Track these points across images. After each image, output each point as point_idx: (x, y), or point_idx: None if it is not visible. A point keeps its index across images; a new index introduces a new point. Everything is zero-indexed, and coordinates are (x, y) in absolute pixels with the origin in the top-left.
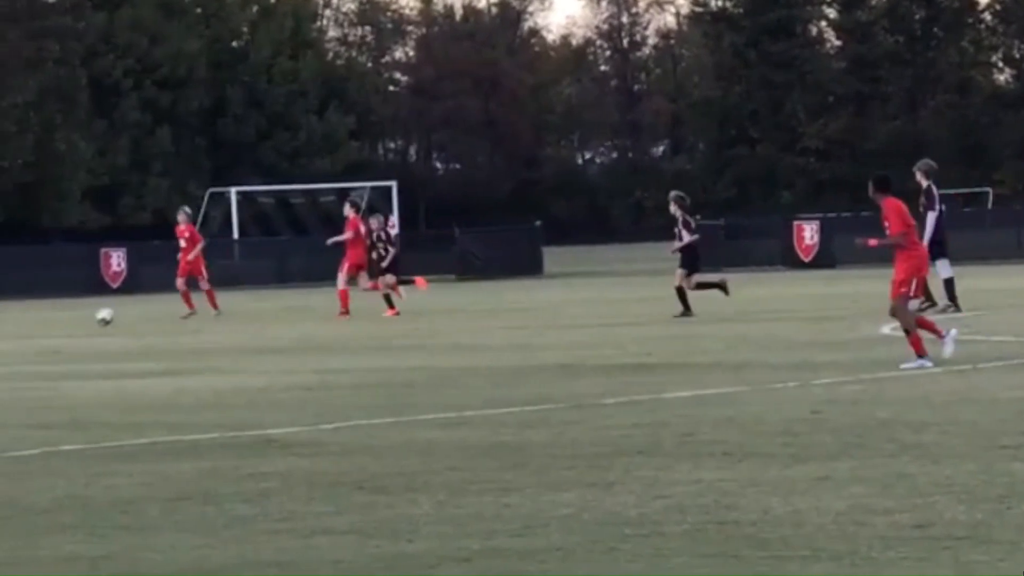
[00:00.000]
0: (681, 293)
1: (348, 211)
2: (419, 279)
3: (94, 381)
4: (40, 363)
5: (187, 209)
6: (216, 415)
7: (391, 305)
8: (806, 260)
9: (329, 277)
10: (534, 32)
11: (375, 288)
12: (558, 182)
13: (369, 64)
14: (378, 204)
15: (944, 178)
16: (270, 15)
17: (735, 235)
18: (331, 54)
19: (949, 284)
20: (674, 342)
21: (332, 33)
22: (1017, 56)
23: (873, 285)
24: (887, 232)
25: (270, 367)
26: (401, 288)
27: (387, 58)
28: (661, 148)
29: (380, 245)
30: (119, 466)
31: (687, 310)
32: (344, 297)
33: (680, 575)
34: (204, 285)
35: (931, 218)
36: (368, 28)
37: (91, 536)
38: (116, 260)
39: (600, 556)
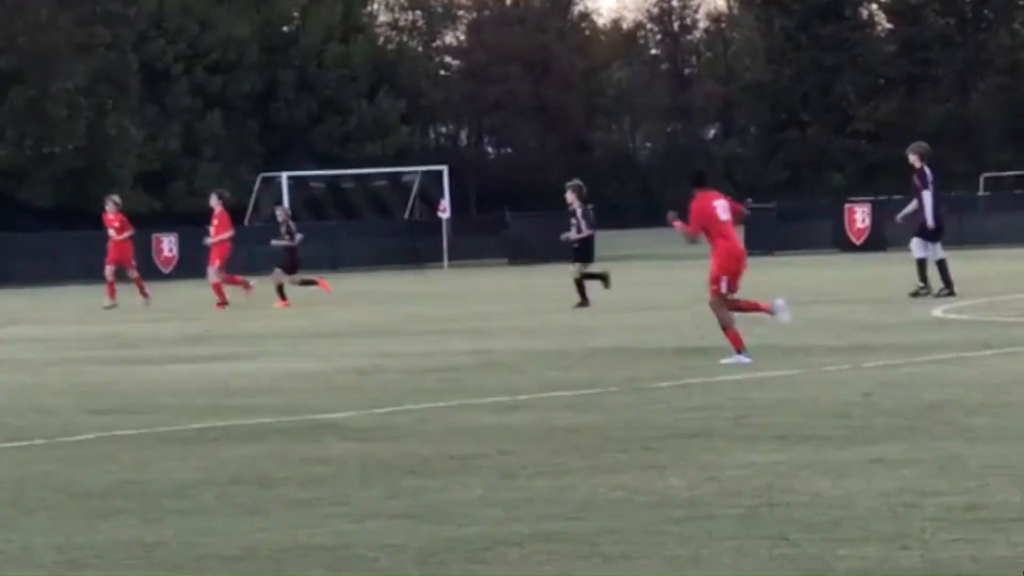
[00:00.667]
0: (579, 284)
1: (216, 204)
2: (322, 281)
3: (149, 366)
4: (96, 348)
5: (116, 199)
6: (270, 399)
7: (283, 296)
8: (858, 243)
9: (382, 262)
10: (584, 16)
11: (231, 281)
12: (610, 166)
13: (420, 48)
14: (429, 188)
15: (995, 160)
16: (337, 13)
17: (787, 218)
18: (382, 38)
19: (942, 266)
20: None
21: (383, 18)
22: None
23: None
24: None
25: (323, 351)
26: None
27: (438, 42)
28: (712, 131)
29: (287, 237)
30: (174, 450)
31: (584, 301)
32: (218, 289)
33: (731, 558)
34: (132, 273)
35: (927, 197)
36: (419, 12)
37: (146, 520)
38: (167, 245)
39: (652, 539)
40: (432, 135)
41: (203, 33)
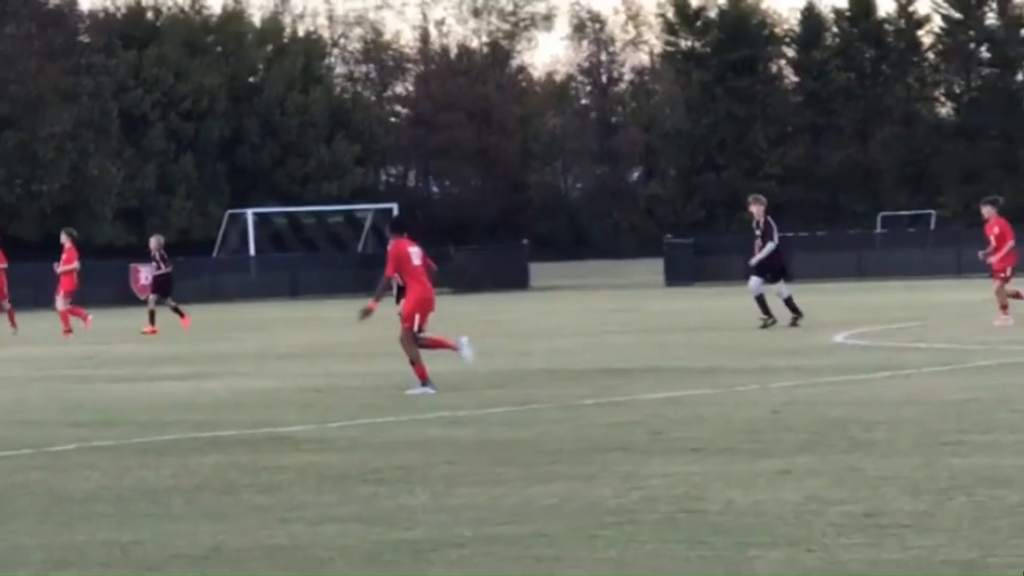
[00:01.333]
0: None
1: (65, 240)
2: (187, 318)
3: (124, 383)
4: (75, 367)
5: None
6: (234, 414)
7: (151, 322)
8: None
9: (338, 290)
10: (521, 69)
11: (75, 312)
12: (543, 204)
13: (373, 98)
14: (380, 224)
15: (890, 201)
16: (283, 54)
17: (703, 252)
18: (338, 88)
19: (789, 301)
20: (647, 349)
21: (339, 70)
22: (957, 91)
23: (826, 297)
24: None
25: (283, 371)
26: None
27: (389, 92)
28: (636, 174)
29: (160, 265)
30: (147, 460)
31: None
32: (65, 317)
33: (652, 560)
34: (6, 305)
35: (769, 247)
36: (372, 65)
37: (122, 523)
38: (144, 274)
39: (581, 542)
40: (383, 176)
41: (177, 83)
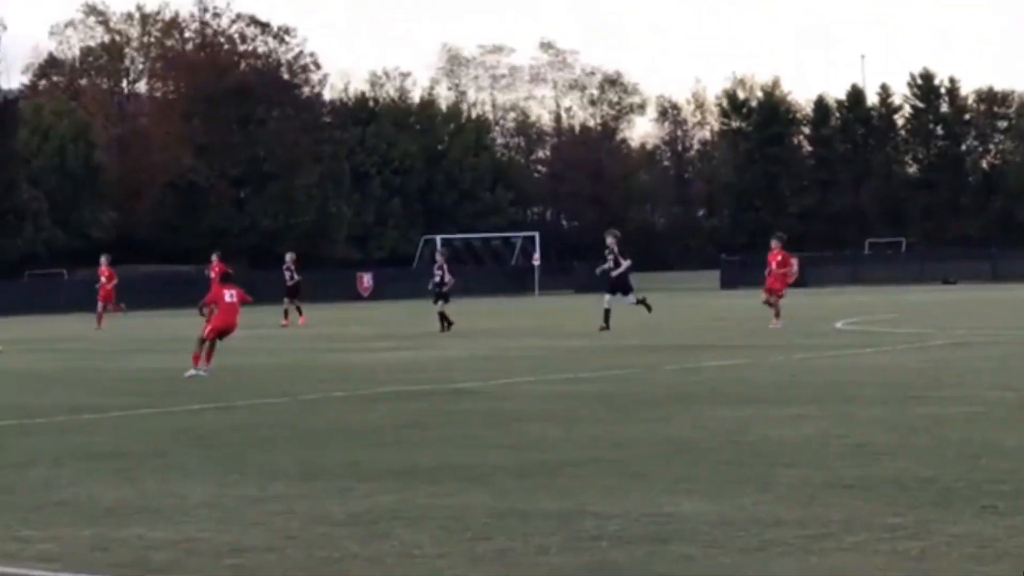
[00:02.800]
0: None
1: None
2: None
3: (349, 354)
4: (317, 343)
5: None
6: (426, 374)
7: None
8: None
9: (496, 291)
10: (623, 140)
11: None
12: (637, 234)
13: (522, 160)
14: (527, 246)
15: (874, 232)
16: (461, 129)
17: (746, 266)
18: (499, 153)
19: (609, 313)
20: (707, 332)
21: (499, 140)
22: (920, 156)
23: (830, 298)
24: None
25: (462, 345)
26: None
27: (533, 156)
28: (701, 212)
29: (292, 275)
30: (368, 405)
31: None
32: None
33: (712, 474)
34: (110, 307)
35: (624, 265)
36: (521, 137)
37: (350, 449)
38: (367, 280)
39: (660, 463)
40: (528, 213)
41: (389, 149)
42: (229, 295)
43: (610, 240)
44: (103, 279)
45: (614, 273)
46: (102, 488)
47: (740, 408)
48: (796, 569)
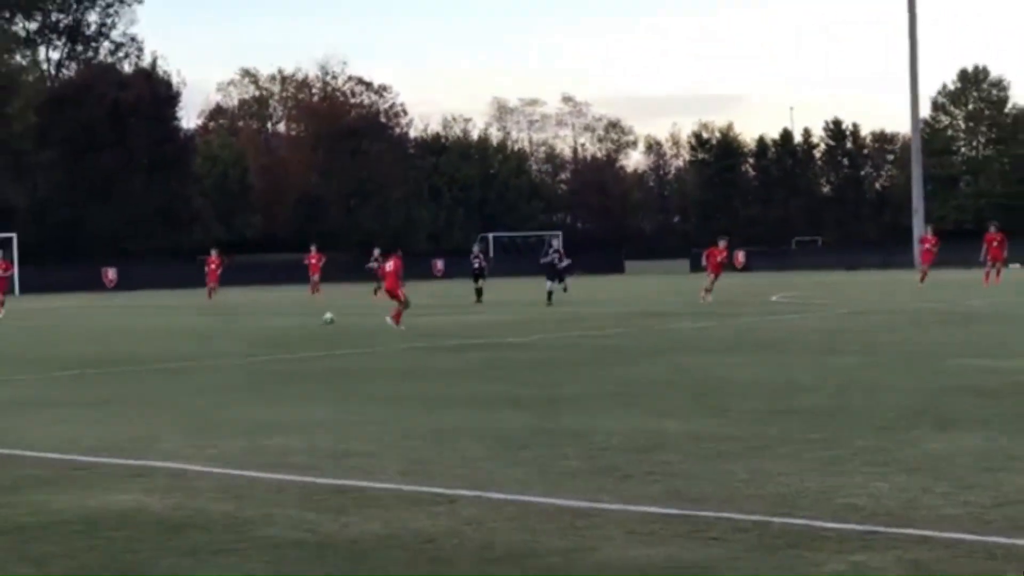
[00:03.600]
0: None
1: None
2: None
3: (426, 317)
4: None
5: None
6: (479, 332)
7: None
8: (738, 267)
9: (531, 274)
10: (621, 168)
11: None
12: (632, 234)
13: (549, 181)
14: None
15: (800, 233)
16: (507, 159)
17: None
18: (534, 175)
19: (551, 295)
20: (681, 301)
21: (534, 167)
22: (832, 180)
23: (770, 279)
24: None
25: (506, 311)
26: None
27: (558, 178)
28: (676, 219)
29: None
30: (441, 355)
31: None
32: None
33: (685, 405)
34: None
35: (566, 262)
36: (549, 165)
37: (430, 383)
38: (440, 264)
39: (651, 396)
40: (554, 218)
41: (455, 172)
42: (388, 266)
43: (556, 242)
44: (213, 266)
45: (561, 265)
46: (252, 410)
47: (705, 356)
48: (744, 470)
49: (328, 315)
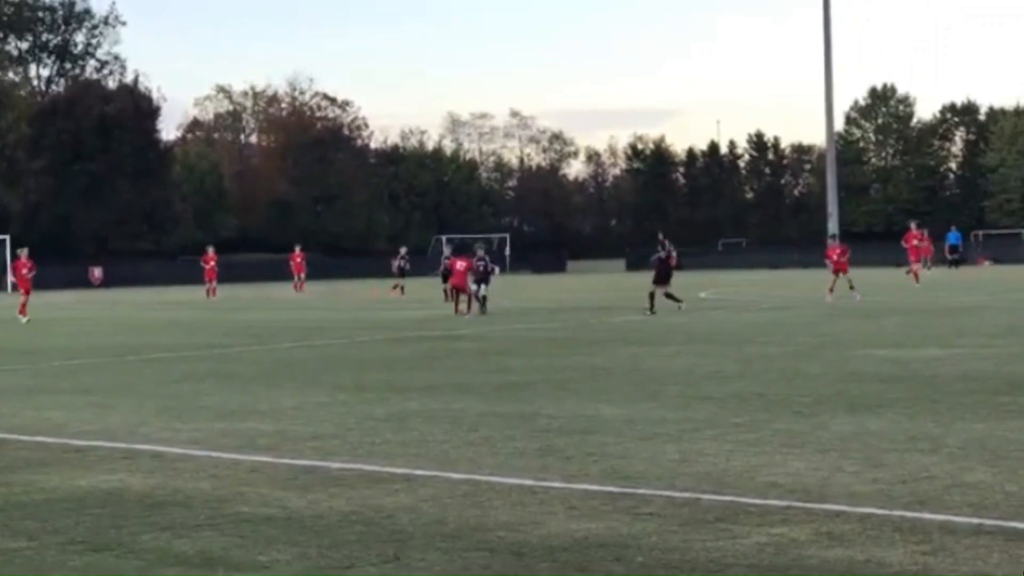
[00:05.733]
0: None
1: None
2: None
3: (388, 312)
4: (368, 304)
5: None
6: (437, 325)
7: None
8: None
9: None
10: (564, 176)
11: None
12: (573, 235)
13: (498, 187)
14: (502, 243)
15: (726, 235)
16: (460, 168)
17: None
18: (484, 183)
19: (483, 298)
20: (618, 297)
21: (484, 175)
22: (755, 187)
23: (700, 278)
24: None
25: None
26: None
27: (506, 184)
28: (613, 222)
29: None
30: (396, 345)
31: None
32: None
33: (618, 387)
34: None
35: (496, 268)
36: (496, 174)
37: (391, 373)
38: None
39: (588, 380)
40: (503, 221)
41: (413, 179)
42: (459, 265)
43: (482, 251)
44: (212, 263)
45: (495, 272)
46: (227, 397)
47: (639, 347)
48: (676, 450)
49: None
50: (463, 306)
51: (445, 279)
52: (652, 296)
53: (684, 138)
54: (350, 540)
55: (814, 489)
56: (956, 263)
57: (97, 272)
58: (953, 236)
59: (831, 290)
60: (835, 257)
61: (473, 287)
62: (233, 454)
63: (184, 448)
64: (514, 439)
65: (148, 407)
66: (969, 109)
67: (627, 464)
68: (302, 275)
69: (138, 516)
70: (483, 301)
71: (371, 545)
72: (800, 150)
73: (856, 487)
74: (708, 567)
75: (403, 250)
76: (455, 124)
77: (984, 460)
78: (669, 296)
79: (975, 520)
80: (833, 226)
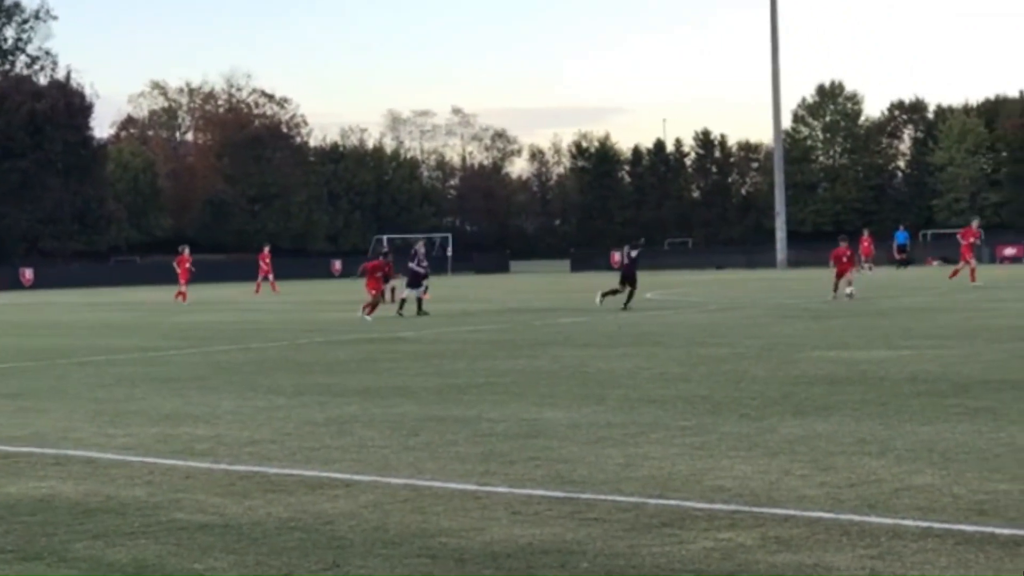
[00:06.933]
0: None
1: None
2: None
3: (327, 313)
4: (306, 306)
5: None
6: (378, 327)
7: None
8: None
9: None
10: (507, 174)
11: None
12: (515, 235)
13: (440, 186)
14: (444, 243)
15: (672, 234)
16: (400, 166)
17: (586, 256)
18: (425, 181)
19: (420, 303)
20: (561, 298)
21: (426, 173)
22: (702, 186)
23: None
24: None
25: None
26: None
27: (448, 184)
28: (557, 221)
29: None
30: (337, 348)
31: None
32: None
33: (563, 389)
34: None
35: (423, 271)
36: (439, 172)
37: (329, 375)
38: (337, 264)
39: (531, 384)
40: (444, 222)
41: (353, 178)
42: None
43: (423, 248)
44: (186, 264)
45: (427, 274)
46: (162, 401)
47: (584, 349)
48: (621, 454)
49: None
50: (372, 308)
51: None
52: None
53: (630, 136)
54: (289, 547)
55: (761, 493)
56: (904, 264)
57: (28, 273)
58: (901, 236)
59: (836, 289)
60: (844, 259)
61: (408, 291)
62: (168, 460)
63: (118, 454)
64: (456, 443)
65: (80, 412)
66: (917, 107)
67: (571, 469)
68: (271, 276)
69: (70, 524)
70: (419, 303)
71: (310, 552)
72: (747, 148)
73: (804, 491)
74: (654, 573)
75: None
76: (396, 122)
77: (932, 463)
78: (617, 293)
79: (923, 524)
80: (781, 226)
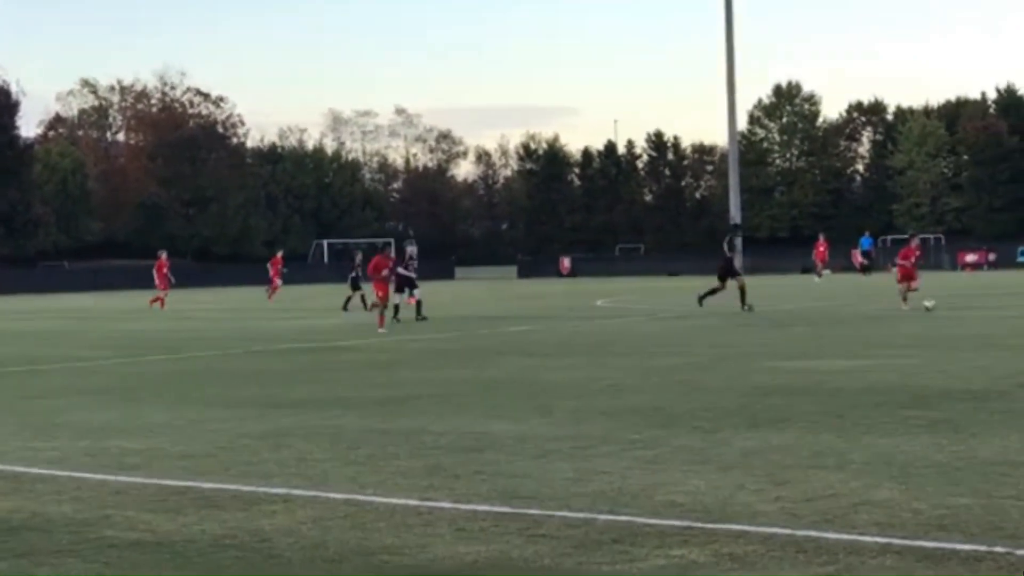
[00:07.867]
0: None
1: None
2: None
3: (264, 322)
4: (239, 314)
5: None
6: (318, 336)
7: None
8: (563, 273)
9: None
10: (452, 177)
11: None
12: (462, 241)
13: (383, 189)
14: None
15: (623, 240)
16: (342, 168)
17: (536, 263)
18: (367, 184)
19: (420, 305)
20: (512, 305)
21: (368, 176)
22: (654, 190)
23: (596, 286)
24: None
25: (342, 316)
26: None
27: (391, 187)
28: (504, 225)
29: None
30: (273, 357)
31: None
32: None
33: (508, 400)
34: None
35: (404, 274)
36: (382, 175)
37: (266, 386)
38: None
39: (479, 393)
40: (387, 226)
41: (291, 180)
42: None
43: (414, 250)
44: (164, 270)
45: (415, 278)
46: (91, 413)
47: (532, 359)
48: (570, 468)
49: (928, 302)
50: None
51: (355, 287)
52: None
53: (579, 138)
54: (224, 565)
55: (715, 508)
56: (867, 269)
57: None
58: (866, 242)
59: (904, 299)
60: (905, 262)
61: (398, 296)
62: (97, 474)
63: (44, 468)
64: (398, 457)
65: (4, 425)
66: (876, 108)
67: (519, 483)
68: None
69: None
70: (418, 306)
71: (246, 571)
72: (701, 151)
73: (759, 506)
74: None
75: (358, 257)
76: (337, 122)
77: (891, 476)
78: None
79: (882, 539)
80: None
